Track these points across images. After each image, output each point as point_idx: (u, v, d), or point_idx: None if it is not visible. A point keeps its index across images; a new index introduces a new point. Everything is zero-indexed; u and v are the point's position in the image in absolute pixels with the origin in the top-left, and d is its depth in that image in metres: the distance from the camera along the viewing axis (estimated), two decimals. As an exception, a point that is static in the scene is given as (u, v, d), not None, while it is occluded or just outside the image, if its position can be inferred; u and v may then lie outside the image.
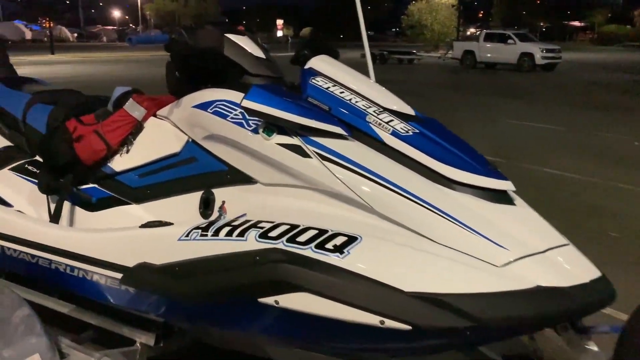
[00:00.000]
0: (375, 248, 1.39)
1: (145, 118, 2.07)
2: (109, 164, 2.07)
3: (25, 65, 17.81)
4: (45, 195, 2.16)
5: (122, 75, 16.27)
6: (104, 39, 55.07)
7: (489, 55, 22.36)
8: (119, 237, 1.78)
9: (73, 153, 2.07)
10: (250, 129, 1.68)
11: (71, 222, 2.12)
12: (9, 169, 2.35)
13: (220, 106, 1.76)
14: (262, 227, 1.49)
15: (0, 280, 2.22)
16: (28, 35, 44.73)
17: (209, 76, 1.99)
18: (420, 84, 14.83)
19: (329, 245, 1.38)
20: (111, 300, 1.82)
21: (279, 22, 46.53)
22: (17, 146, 2.37)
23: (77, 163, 2.08)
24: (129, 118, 2.05)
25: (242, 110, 1.69)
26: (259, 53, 1.92)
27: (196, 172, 1.88)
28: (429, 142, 1.60)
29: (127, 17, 77.42)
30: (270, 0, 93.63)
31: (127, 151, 2.05)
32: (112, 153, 2.06)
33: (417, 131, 1.62)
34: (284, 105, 1.59)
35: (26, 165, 2.31)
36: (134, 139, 2.06)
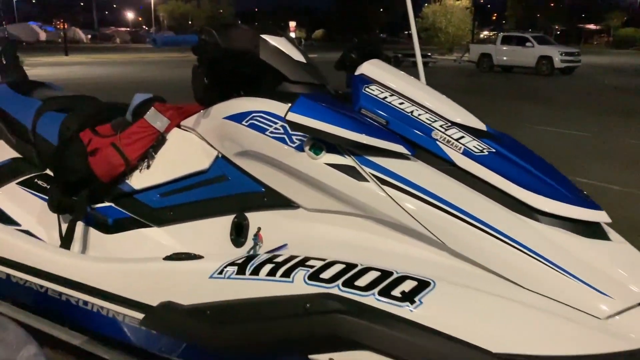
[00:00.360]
0: (452, 296, 1.14)
1: (168, 129, 1.84)
2: (127, 181, 1.84)
3: (39, 66, 17.73)
4: (56, 214, 1.93)
5: (137, 77, 16.14)
6: (117, 40, 55.20)
7: (505, 58, 21.98)
8: (141, 271, 1.55)
9: (87, 168, 1.84)
10: (293, 145, 1.44)
11: (85, 245, 1.89)
12: (17, 183, 2.13)
13: (257, 118, 1.52)
14: (311, 266, 1.25)
15: (4, 316, 1.98)
16: (42, 36, 44.93)
17: (242, 83, 1.75)
18: (437, 88, 14.54)
19: (396, 292, 1.14)
20: (129, 340, 1.59)
21: (292, 24, 46.36)
22: (26, 158, 2.14)
23: (91, 179, 1.85)
24: (150, 129, 1.82)
25: (284, 124, 1.45)
26: (299, 57, 1.68)
27: (227, 193, 1.64)
28: (507, 164, 1.35)
29: (140, 18, 77.70)
30: (282, 2, 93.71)
31: (148, 167, 1.82)
32: (130, 169, 1.83)
33: (493, 150, 1.37)
34: (336, 119, 1.35)
35: (35, 180, 2.09)
36: (156, 153, 1.82)
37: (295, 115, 1.36)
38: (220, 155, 1.68)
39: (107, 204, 1.89)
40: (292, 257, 1.29)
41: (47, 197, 2.01)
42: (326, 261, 1.24)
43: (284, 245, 1.46)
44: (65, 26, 42.29)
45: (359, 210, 1.36)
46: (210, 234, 1.66)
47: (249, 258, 1.35)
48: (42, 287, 1.74)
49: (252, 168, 1.57)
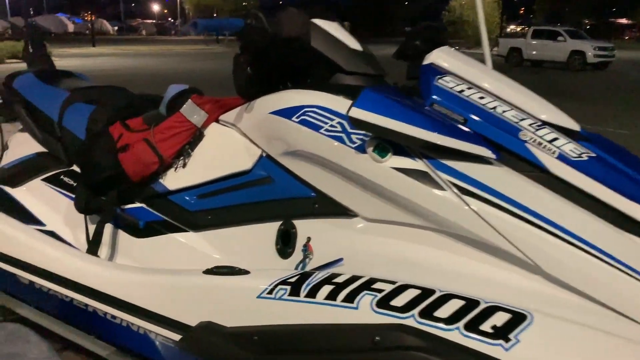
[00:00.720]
0: (554, 333, 0.94)
1: (206, 124, 1.66)
2: (160, 181, 1.67)
3: (67, 57, 17.81)
4: (83, 215, 1.78)
5: (164, 69, 16.12)
6: (143, 32, 55.54)
7: (535, 52, 21.43)
8: (178, 285, 1.38)
9: (117, 166, 1.68)
10: (353, 146, 1.25)
11: (113, 250, 1.73)
12: (42, 180, 1.98)
13: (310, 114, 1.33)
14: (379, 290, 1.06)
15: (26, 327, 1.84)
16: (70, 27, 45.35)
17: (289, 74, 1.57)
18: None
19: (486, 327, 0.94)
20: (161, 359, 1.43)
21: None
22: (51, 153, 1.99)
23: (121, 178, 1.69)
24: (186, 124, 1.65)
25: (341, 121, 1.26)
26: (355, 44, 1.49)
27: (272, 197, 1.46)
28: (610, 171, 1.14)
29: (165, 10, 78.11)
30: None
31: (184, 165, 1.65)
32: (164, 167, 1.66)
33: (593, 155, 1.16)
34: (407, 115, 1.16)
35: (61, 176, 1.94)
36: (192, 151, 1.65)
37: (360, 111, 1.17)
38: (264, 155, 1.50)
39: (138, 204, 1.72)
40: (355, 278, 1.11)
41: (73, 196, 1.86)
42: (397, 284, 1.05)
43: (339, 260, 1.28)
44: (93, 18, 42.64)
45: (432, 223, 1.17)
46: (252, 242, 1.48)
47: (304, 276, 1.17)
48: (67, 296, 1.59)
49: (301, 170, 1.39)
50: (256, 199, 1.49)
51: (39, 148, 2.03)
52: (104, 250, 1.71)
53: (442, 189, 1.14)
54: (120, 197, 1.72)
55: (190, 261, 1.58)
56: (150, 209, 1.70)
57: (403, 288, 1.04)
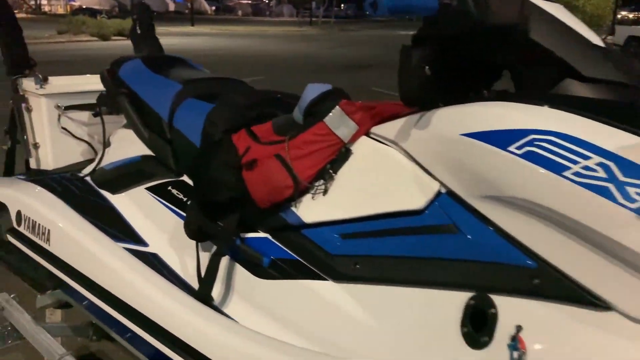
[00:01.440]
0: None
1: (354, 138, 1.26)
2: (292, 208, 1.29)
3: (167, 36, 18.21)
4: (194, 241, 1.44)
5: (260, 50, 16.08)
6: (239, 12, 56.53)
7: (659, 42, 19.43)
8: None
9: (241, 185, 1.31)
10: (630, 205, 0.79)
11: (229, 290, 1.38)
12: (147, 189, 1.67)
13: (543, 144, 0.88)
14: None
15: None
16: (171, 7, 46.97)
17: (485, 76, 1.12)
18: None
19: None
20: None
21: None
22: (158, 157, 1.68)
23: (244, 200, 1.33)
24: (330, 138, 1.25)
25: (606, 162, 0.80)
26: (594, 38, 1.01)
27: (457, 255, 1.03)
28: None
29: (261, -9, 79.11)
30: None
31: (324, 191, 1.25)
32: (300, 192, 1.27)
33: None
34: None
35: (169, 188, 1.61)
36: (336, 173, 1.25)
37: None
38: (445, 192, 1.07)
39: (262, 234, 1.35)
40: None
41: (182, 214, 1.53)
42: None
43: None
44: (193, -3, 43.79)
45: None
46: (421, 314, 1.06)
47: None
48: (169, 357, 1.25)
49: (516, 226, 0.94)
50: (430, 253, 1.07)
51: (145, 150, 1.71)
52: (217, 289, 1.36)
53: None
54: (240, 224, 1.36)
55: (326, 320, 1.19)
56: (277, 243, 1.32)
57: None
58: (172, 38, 17.67)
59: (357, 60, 13.99)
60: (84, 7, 38.13)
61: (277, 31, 27.94)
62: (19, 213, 1.80)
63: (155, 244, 1.57)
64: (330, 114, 1.25)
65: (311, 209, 1.26)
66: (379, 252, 1.14)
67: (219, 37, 21.58)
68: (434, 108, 1.11)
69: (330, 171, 1.25)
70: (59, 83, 2.16)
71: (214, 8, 57.42)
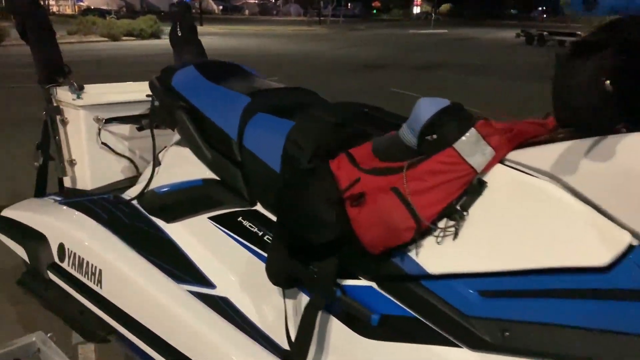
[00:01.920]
0: None
1: (488, 167, 1.01)
2: (410, 254, 1.05)
3: (177, 36, 17.96)
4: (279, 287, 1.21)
5: (272, 50, 15.85)
6: (247, 11, 56.29)
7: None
8: None
9: (345, 225, 1.07)
10: None
11: (325, 352, 1.14)
12: (210, 218, 1.43)
13: None
14: None
15: None
16: (179, 6, 46.78)
17: None
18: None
19: None
20: None
21: (418, -3, 44.21)
22: (225, 182, 1.44)
23: (346, 240, 1.09)
24: (461, 167, 1.01)
25: None
26: None
27: None
28: None
29: (267, -9, 78.80)
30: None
31: (455, 234, 1.01)
32: (421, 234, 1.03)
33: None
34: None
35: (239, 218, 1.38)
36: (468, 211, 1.01)
37: None
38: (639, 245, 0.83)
39: (365, 283, 1.12)
40: None
41: (257, 250, 1.29)
42: None
43: None
44: (200, -3, 43.53)
45: None
46: None
47: None
48: None
49: None
50: (617, 325, 0.83)
51: (206, 172, 1.48)
52: (313, 351, 1.12)
53: None
54: (338, 269, 1.12)
55: None
56: (387, 295, 1.08)
57: None
58: (182, 38, 17.41)
59: (371, 60, 13.73)
60: (93, 7, 38.02)
61: (286, 31, 27.69)
62: (61, 247, 1.57)
63: (225, 286, 1.34)
64: (464, 137, 1.01)
65: (436, 256, 1.02)
66: (540, 318, 0.89)
67: (228, 36, 21.36)
68: (614, 133, 0.87)
69: (460, 209, 1.01)
70: (97, 92, 1.94)
71: (221, 7, 57.23)
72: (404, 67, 12.41)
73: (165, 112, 1.58)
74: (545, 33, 24.03)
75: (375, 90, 8.31)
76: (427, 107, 1.09)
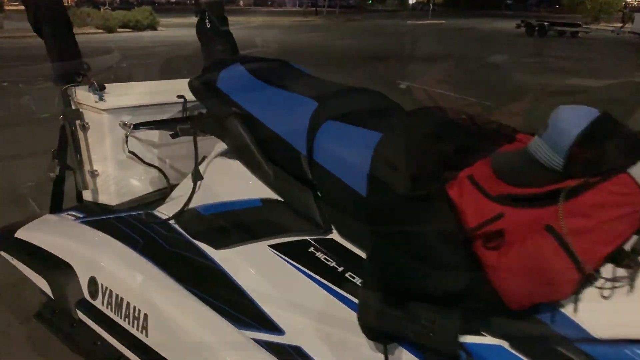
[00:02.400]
0: None
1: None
2: (561, 309, 0.81)
3: (172, 27, 17.61)
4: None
5: (271, 41, 15.51)
6: (241, 2, 55.63)
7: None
8: None
9: (475, 272, 0.84)
10: None
11: None
12: (271, 246, 1.19)
13: None
14: None
15: None
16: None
17: None
18: (604, 63, 12.40)
19: None
20: None
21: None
22: (291, 203, 1.20)
23: (472, 290, 0.85)
24: (637, 199, 0.77)
25: None
26: None
27: None
28: None
29: (261, -19, 78.12)
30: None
31: (631, 287, 0.78)
32: (584, 284, 0.80)
33: None
34: None
35: (311, 249, 1.14)
36: None
37: None
38: None
39: (493, 341, 0.88)
40: None
41: (338, 291, 1.06)
42: None
43: None
44: (193, -12, 42.88)
45: None
46: None
47: None
48: None
49: None
50: None
51: (265, 191, 1.24)
52: None
53: None
54: (459, 323, 0.88)
55: None
56: (524, 358, 0.85)
57: None
58: (179, 29, 17.06)
59: (371, 51, 13.45)
60: (85, -2, 37.40)
61: (283, 22, 27.30)
62: (93, 281, 1.32)
63: (296, 333, 1.10)
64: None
65: (600, 313, 0.79)
66: None
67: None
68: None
69: (633, 252, 0.78)
70: (120, 93, 1.68)
71: (215, -2, 56.49)
72: (407, 58, 12.15)
73: (213, 119, 1.33)
74: (546, 24, 23.84)
75: (383, 85, 8.07)
76: (573, 119, 0.85)
